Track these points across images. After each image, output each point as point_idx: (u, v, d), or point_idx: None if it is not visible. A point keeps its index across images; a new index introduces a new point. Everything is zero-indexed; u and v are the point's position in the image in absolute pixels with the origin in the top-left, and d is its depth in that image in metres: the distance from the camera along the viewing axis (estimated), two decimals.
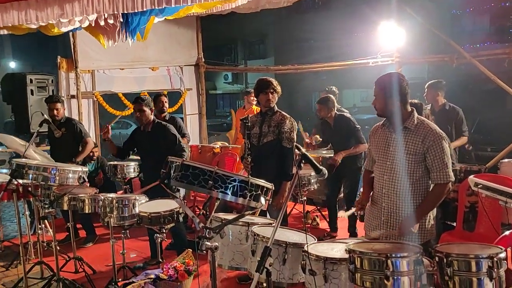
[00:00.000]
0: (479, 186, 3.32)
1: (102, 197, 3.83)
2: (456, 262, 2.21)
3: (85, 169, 4.13)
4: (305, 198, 5.19)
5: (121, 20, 4.31)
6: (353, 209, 3.13)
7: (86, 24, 4.27)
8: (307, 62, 8.84)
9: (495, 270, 2.16)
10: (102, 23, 4.22)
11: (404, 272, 2.09)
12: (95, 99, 7.12)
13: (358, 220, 4.40)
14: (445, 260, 2.24)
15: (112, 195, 3.93)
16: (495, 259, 2.18)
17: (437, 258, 2.31)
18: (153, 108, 4.57)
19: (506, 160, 4.72)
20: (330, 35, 17.93)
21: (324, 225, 5.81)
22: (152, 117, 4.52)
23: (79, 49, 6.77)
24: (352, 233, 5.09)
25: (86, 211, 4.01)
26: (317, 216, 5.99)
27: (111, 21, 4.28)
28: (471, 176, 3.55)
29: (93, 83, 7.09)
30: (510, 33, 15.75)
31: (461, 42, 8.07)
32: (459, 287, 2.22)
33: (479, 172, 4.29)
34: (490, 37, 15.78)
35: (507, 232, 3.07)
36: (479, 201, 3.86)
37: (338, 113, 5.21)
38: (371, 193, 3.00)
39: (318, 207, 6.29)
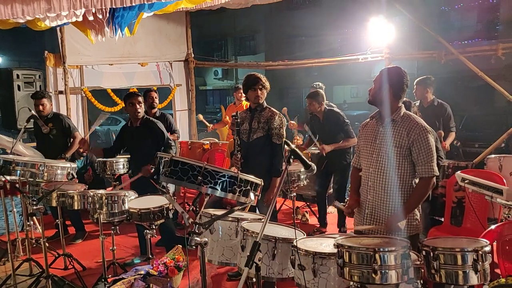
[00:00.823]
0: (465, 181, 3.37)
1: (92, 194, 3.80)
2: (442, 256, 2.25)
3: (74, 165, 4.11)
4: (294, 194, 5.21)
5: (109, 15, 4.27)
6: (342, 204, 3.16)
7: (73, 19, 4.22)
8: (297, 58, 8.89)
9: (480, 263, 2.20)
10: (90, 18, 4.18)
11: (391, 266, 2.12)
12: (84, 94, 7.05)
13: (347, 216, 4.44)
14: (431, 253, 2.28)
15: (101, 191, 3.91)
16: (480, 252, 2.22)
17: (424, 252, 2.34)
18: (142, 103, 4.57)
19: (492, 156, 4.78)
20: (321, 31, 17.98)
21: (313, 221, 5.84)
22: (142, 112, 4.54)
23: (67, 44, 6.69)
24: (341, 228, 5.13)
25: (75, 208, 3.98)
26: (306, 212, 6.03)
27: (99, 16, 4.24)
28: (458, 172, 3.61)
29: (81, 78, 7.02)
30: (497, 30, 15.92)
31: (450, 38, 8.17)
32: (445, 280, 2.26)
33: (466, 168, 4.35)
34: (477, 33, 15.95)
35: (492, 226, 3.12)
36: (466, 196, 3.92)
37: (327, 107, 5.24)
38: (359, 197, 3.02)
39: (308, 203, 6.33)
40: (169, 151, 4.34)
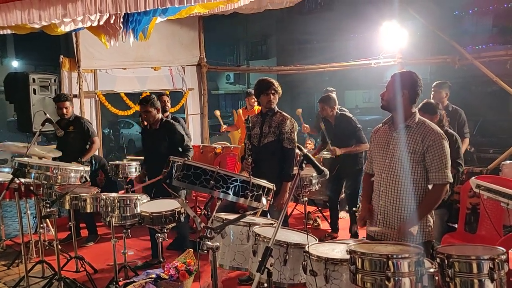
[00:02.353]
0: (480, 188, 3.32)
1: (104, 197, 3.83)
2: (458, 264, 2.21)
3: (87, 168, 4.15)
4: (306, 199, 5.19)
5: (123, 20, 4.32)
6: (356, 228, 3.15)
7: (88, 24, 4.28)
8: (309, 63, 8.85)
9: (497, 271, 2.16)
10: (104, 23, 4.24)
11: (405, 273, 2.08)
12: (97, 98, 7.14)
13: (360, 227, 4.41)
14: (446, 261, 2.24)
15: (114, 194, 3.94)
16: (496, 260, 2.17)
17: (438, 260, 2.30)
18: (159, 107, 4.60)
19: (508, 162, 4.72)
20: (333, 36, 17.94)
21: (325, 226, 5.81)
22: (159, 115, 4.61)
23: (81, 49, 6.79)
24: (353, 234, 5.09)
25: (88, 211, 4.01)
26: (318, 217, 5.99)
27: (113, 21, 4.29)
28: (473, 178, 3.55)
29: (95, 82, 7.12)
30: None
31: (464, 43, 8.07)
32: None
33: (481, 174, 4.29)
34: (492, 38, 15.75)
35: (509, 234, 3.07)
36: (481, 203, 3.86)
37: (339, 112, 5.22)
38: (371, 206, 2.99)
39: (319, 208, 6.29)
40: (187, 155, 4.43)
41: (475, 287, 2.18)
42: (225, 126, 7.29)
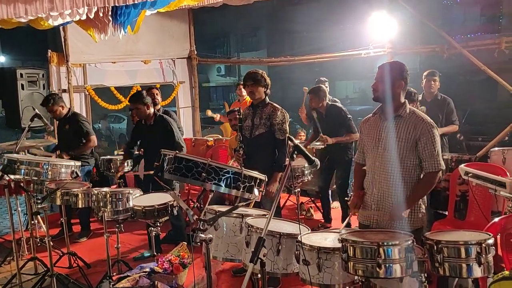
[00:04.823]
0: (469, 175, 3.37)
1: (96, 192, 3.82)
2: (446, 249, 2.26)
3: (78, 163, 4.12)
4: (299, 189, 5.23)
5: (112, 13, 4.28)
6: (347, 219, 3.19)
7: (76, 17, 4.23)
8: (299, 53, 8.84)
9: (484, 256, 2.21)
10: (92, 16, 4.19)
11: (395, 259, 2.13)
12: (87, 93, 7.08)
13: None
14: (435, 247, 2.29)
15: (105, 189, 3.93)
16: (483, 245, 2.22)
17: (427, 246, 2.35)
18: (148, 103, 4.60)
19: (496, 149, 4.77)
20: (322, 26, 17.93)
21: (318, 216, 5.85)
22: (151, 110, 4.64)
23: (70, 43, 6.71)
24: (346, 224, 5.13)
25: (80, 206, 3.99)
26: (311, 207, 6.04)
27: (102, 15, 4.25)
28: (462, 165, 3.61)
29: (84, 77, 7.05)
30: (501, 24, 15.81)
31: (452, 32, 8.10)
32: (449, 273, 2.27)
33: (470, 161, 4.34)
34: (481, 27, 15.85)
35: (496, 219, 3.13)
36: (470, 190, 3.91)
37: (330, 103, 5.26)
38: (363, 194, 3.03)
39: (312, 199, 6.34)
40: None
41: (463, 272, 2.24)
42: (218, 115, 7.28)
